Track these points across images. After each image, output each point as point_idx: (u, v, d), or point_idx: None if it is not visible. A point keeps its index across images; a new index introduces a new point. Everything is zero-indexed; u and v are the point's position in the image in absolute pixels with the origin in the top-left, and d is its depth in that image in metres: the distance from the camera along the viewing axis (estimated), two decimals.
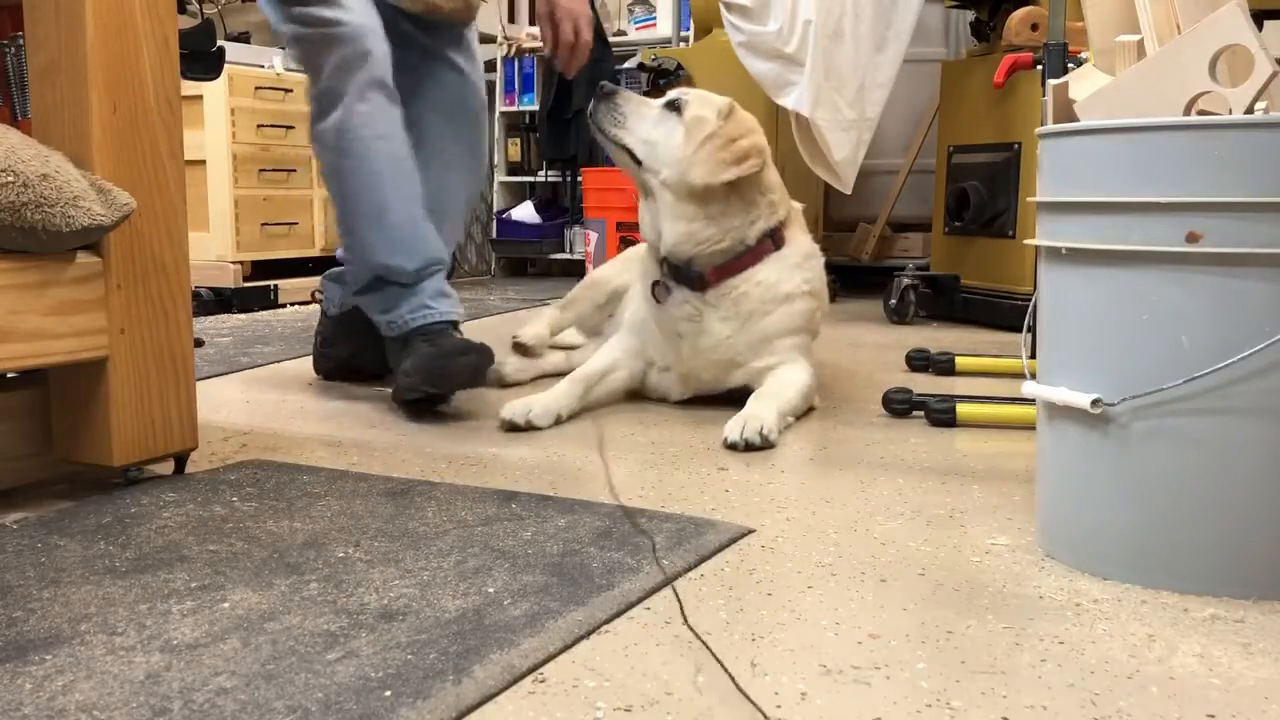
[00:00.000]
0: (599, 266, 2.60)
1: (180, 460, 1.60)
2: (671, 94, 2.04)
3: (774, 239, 2.04)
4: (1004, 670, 0.96)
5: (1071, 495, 1.22)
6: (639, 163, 2.01)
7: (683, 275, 2.02)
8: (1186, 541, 1.13)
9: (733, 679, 0.94)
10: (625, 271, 2.44)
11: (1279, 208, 1.05)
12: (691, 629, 1.05)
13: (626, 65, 4.82)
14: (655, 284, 2.05)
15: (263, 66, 3.97)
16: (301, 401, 2.21)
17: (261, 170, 3.91)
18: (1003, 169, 3.18)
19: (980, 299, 3.27)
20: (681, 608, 1.10)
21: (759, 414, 1.80)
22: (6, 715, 0.88)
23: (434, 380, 1.94)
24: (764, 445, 1.75)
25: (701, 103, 2.01)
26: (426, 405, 2.05)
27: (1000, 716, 0.88)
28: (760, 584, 1.17)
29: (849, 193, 3.55)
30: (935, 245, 3.61)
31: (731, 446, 1.75)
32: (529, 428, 1.92)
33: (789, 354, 2.03)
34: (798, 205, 2.17)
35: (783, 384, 1.96)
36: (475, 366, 1.95)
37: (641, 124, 2.01)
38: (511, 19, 5.54)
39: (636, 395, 2.25)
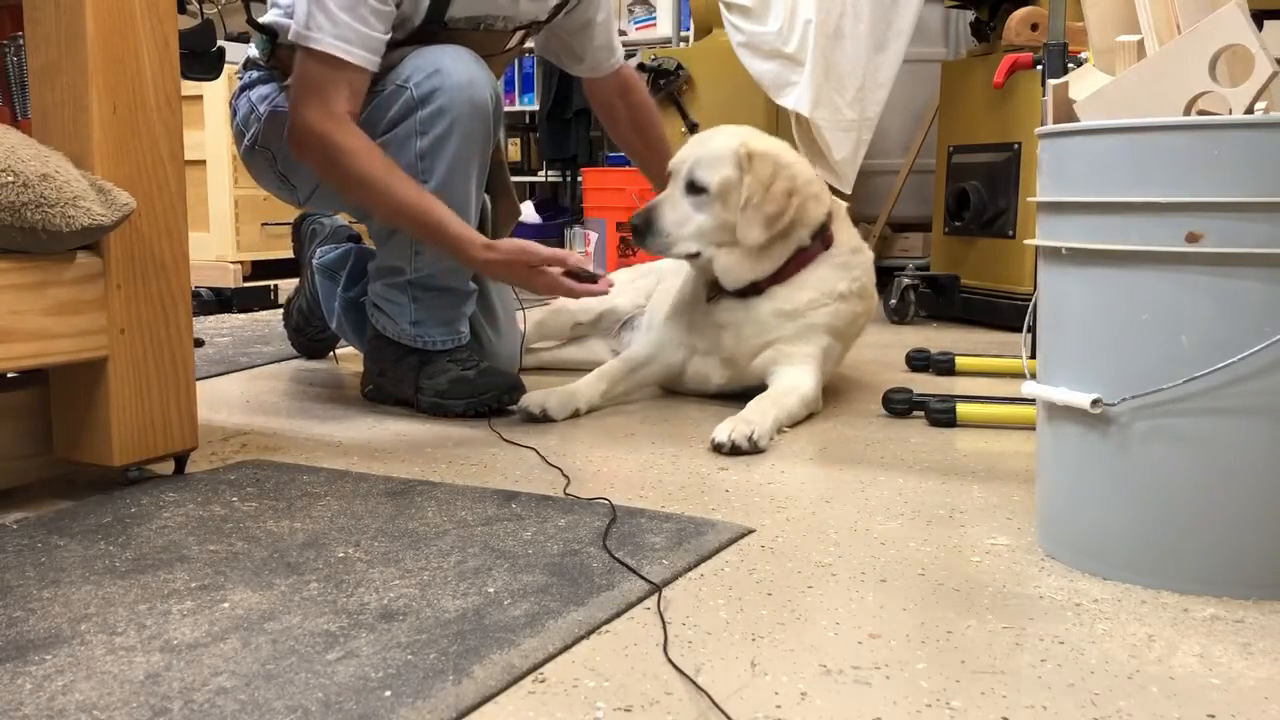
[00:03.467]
0: None
1: (180, 460, 1.60)
2: (680, 166, 2.02)
3: (823, 238, 2.07)
4: (1004, 670, 0.96)
5: (1071, 495, 1.22)
6: (696, 256, 2.03)
7: (735, 289, 2.06)
8: (1186, 541, 1.13)
9: (705, 692, 0.94)
10: (616, 295, 2.44)
11: (1279, 208, 1.05)
12: (669, 657, 1.05)
13: None
14: (709, 286, 2.09)
15: None
16: (301, 401, 2.21)
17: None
18: (1003, 169, 3.18)
19: (980, 299, 3.27)
20: (665, 631, 1.10)
21: (752, 419, 1.80)
22: (6, 715, 0.88)
23: (475, 405, 2.02)
24: (751, 450, 1.74)
25: (713, 165, 1.98)
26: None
27: (1000, 716, 0.88)
28: (760, 584, 1.17)
29: (849, 193, 3.55)
30: (935, 245, 3.61)
31: (717, 448, 1.74)
32: (544, 419, 1.95)
33: (809, 354, 2.03)
34: (840, 202, 2.18)
35: (786, 389, 1.95)
36: (514, 399, 2.03)
37: (684, 227, 2.00)
38: None
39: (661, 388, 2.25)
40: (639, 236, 2.03)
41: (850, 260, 2.10)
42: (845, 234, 2.13)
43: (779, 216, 1.97)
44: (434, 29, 1.99)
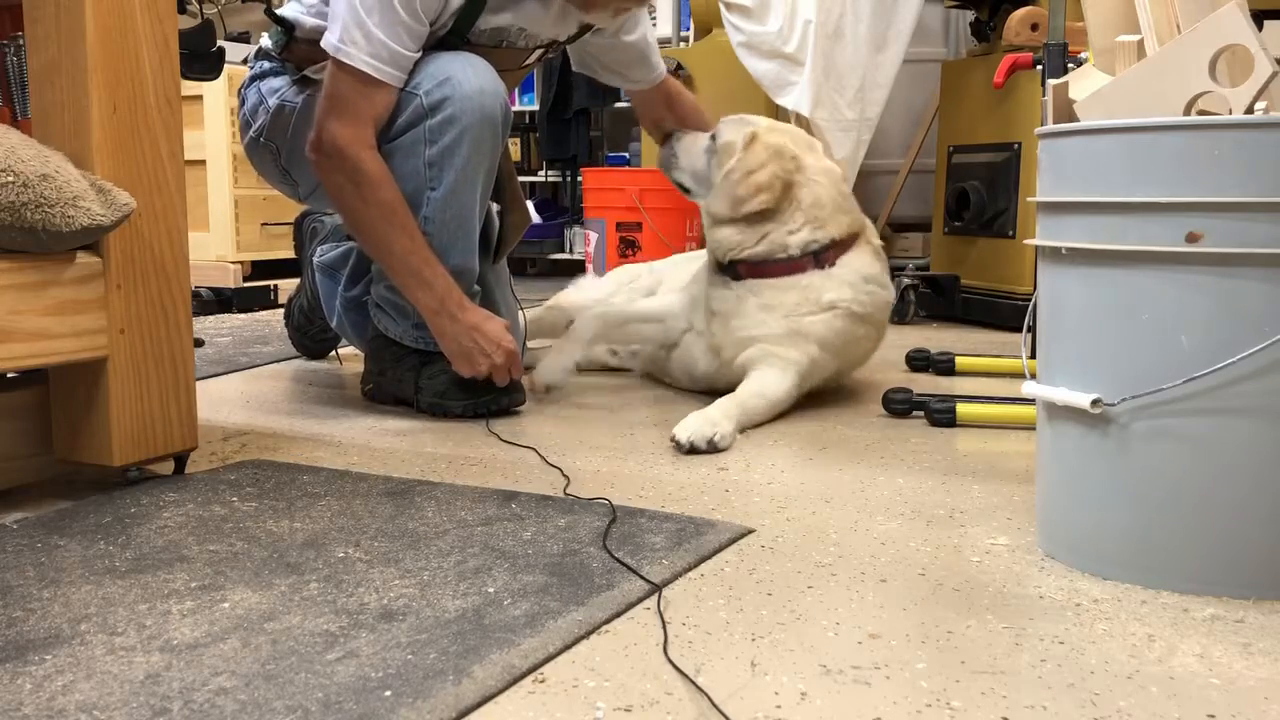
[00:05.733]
0: (565, 290, 2.70)
1: (180, 460, 1.60)
2: (720, 122, 2.19)
3: (818, 259, 2.04)
4: (1004, 670, 0.96)
5: (1071, 495, 1.22)
6: (688, 191, 2.22)
7: (723, 266, 2.12)
8: (1186, 541, 1.13)
9: (697, 685, 0.94)
10: (615, 294, 2.50)
11: (1279, 208, 1.05)
12: (670, 660, 1.05)
13: None
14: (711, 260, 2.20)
15: None
16: (301, 401, 2.21)
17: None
18: (1003, 169, 3.18)
19: (980, 299, 3.27)
20: (665, 631, 1.10)
21: (716, 419, 1.80)
22: (6, 715, 0.88)
23: (475, 406, 2.03)
24: (710, 450, 1.74)
25: (732, 128, 2.13)
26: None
27: (1000, 716, 0.88)
28: (760, 584, 1.17)
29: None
30: (935, 245, 3.61)
31: (677, 446, 1.74)
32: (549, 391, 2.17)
33: (792, 359, 2.01)
34: (872, 238, 2.15)
35: (754, 392, 1.95)
36: (513, 401, 2.07)
37: (687, 157, 2.20)
38: None
39: (652, 387, 2.25)
40: (666, 143, 2.27)
41: (852, 282, 2.05)
42: (856, 261, 2.08)
43: (742, 202, 2.03)
44: (456, 42, 1.99)
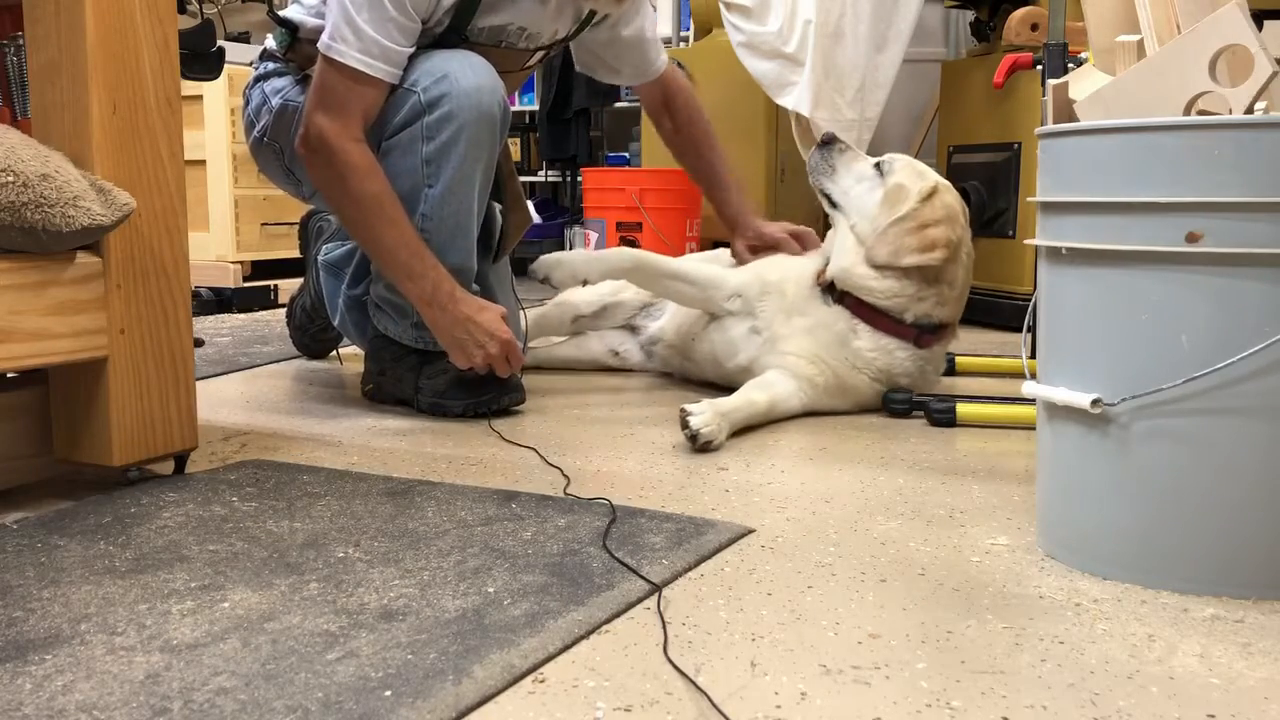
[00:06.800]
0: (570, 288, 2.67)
1: (180, 460, 1.60)
2: (886, 156, 2.09)
3: (920, 337, 2.00)
4: (1004, 670, 0.96)
5: (1071, 495, 1.22)
6: (836, 206, 2.09)
7: (831, 287, 2.04)
8: (1186, 541, 1.13)
9: (696, 684, 0.94)
10: (623, 290, 2.47)
11: (1278, 208, 1.06)
12: (670, 659, 1.05)
13: None
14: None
15: None
16: (301, 401, 2.21)
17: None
18: (1003, 169, 3.18)
19: (980, 299, 3.27)
20: (665, 631, 1.10)
21: (723, 424, 1.78)
22: (6, 715, 0.88)
23: (475, 406, 2.02)
24: (703, 450, 1.74)
25: (908, 171, 2.03)
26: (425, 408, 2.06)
27: (1000, 716, 0.88)
28: (760, 584, 1.17)
29: None
30: None
31: (685, 424, 1.73)
32: (545, 281, 2.16)
33: (821, 396, 2.01)
34: (955, 332, 2.10)
35: (769, 404, 1.94)
36: (514, 400, 2.06)
37: (847, 176, 2.08)
38: None
39: (652, 387, 2.25)
40: (825, 144, 2.13)
41: (929, 370, 2.05)
42: (941, 351, 2.08)
43: (908, 252, 1.93)
44: (454, 40, 1.99)
